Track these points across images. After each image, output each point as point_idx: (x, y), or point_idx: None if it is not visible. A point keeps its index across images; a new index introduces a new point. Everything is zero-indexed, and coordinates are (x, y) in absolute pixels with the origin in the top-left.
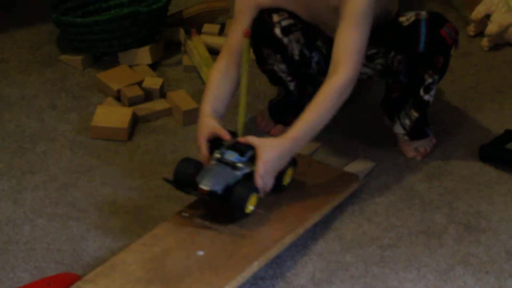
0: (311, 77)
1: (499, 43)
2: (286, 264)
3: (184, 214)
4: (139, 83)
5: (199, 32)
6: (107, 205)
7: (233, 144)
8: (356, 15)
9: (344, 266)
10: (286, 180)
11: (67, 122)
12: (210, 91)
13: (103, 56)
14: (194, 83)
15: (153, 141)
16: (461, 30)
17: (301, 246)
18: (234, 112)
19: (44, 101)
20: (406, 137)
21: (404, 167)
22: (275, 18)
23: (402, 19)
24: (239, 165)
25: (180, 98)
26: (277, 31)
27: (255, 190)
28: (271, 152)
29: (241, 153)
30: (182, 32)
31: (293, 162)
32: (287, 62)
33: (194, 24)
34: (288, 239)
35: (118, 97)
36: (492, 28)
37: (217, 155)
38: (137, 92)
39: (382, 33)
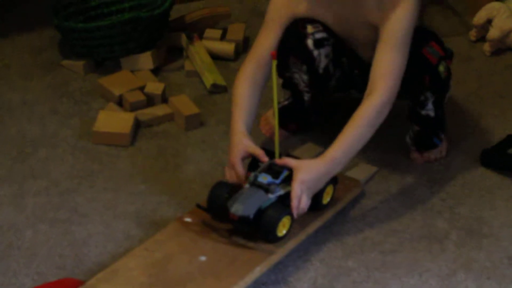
0: (327, 92)
1: (501, 48)
2: (288, 270)
3: (186, 219)
4: (141, 88)
5: (201, 37)
6: (109, 210)
7: (267, 166)
8: (397, 37)
9: (346, 272)
10: (326, 199)
11: (68, 127)
12: (241, 105)
13: (104, 61)
14: (196, 88)
15: (155, 146)
16: (463, 35)
17: (303, 251)
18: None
19: (45, 106)
20: (413, 147)
21: (405, 172)
22: (310, 29)
23: None
24: (273, 187)
25: (182, 103)
26: (310, 42)
27: (288, 212)
28: (308, 173)
29: (275, 175)
30: (184, 37)
31: (334, 180)
32: (310, 74)
33: (196, 29)
34: (290, 245)
35: (120, 102)
36: (493, 33)
37: (250, 178)
38: (139, 97)
39: None
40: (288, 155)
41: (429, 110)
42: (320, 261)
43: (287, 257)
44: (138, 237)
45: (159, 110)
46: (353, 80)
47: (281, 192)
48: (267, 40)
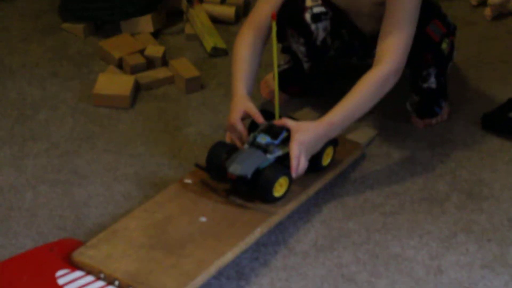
0: (326, 61)
1: (502, 13)
2: (289, 231)
3: (186, 180)
4: (141, 51)
5: (201, 0)
6: (109, 172)
7: (267, 127)
8: (404, 13)
9: (347, 233)
10: (326, 160)
11: (69, 90)
12: (241, 69)
13: (104, 24)
14: (196, 51)
15: (155, 108)
16: None
17: (303, 213)
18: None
19: (45, 69)
20: (414, 114)
21: (406, 135)
22: (308, 2)
23: None
24: (271, 148)
25: (183, 66)
26: (307, 16)
27: (285, 173)
28: (306, 134)
29: (274, 136)
30: (184, 0)
31: (334, 141)
32: (308, 46)
33: None
34: (291, 206)
35: (120, 65)
36: None
37: (249, 138)
38: (139, 60)
39: None
40: (288, 117)
41: (432, 83)
42: (320, 223)
43: (288, 218)
44: (138, 198)
45: (160, 73)
46: (354, 49)
47: (279, 152)
48: (267, 5)
